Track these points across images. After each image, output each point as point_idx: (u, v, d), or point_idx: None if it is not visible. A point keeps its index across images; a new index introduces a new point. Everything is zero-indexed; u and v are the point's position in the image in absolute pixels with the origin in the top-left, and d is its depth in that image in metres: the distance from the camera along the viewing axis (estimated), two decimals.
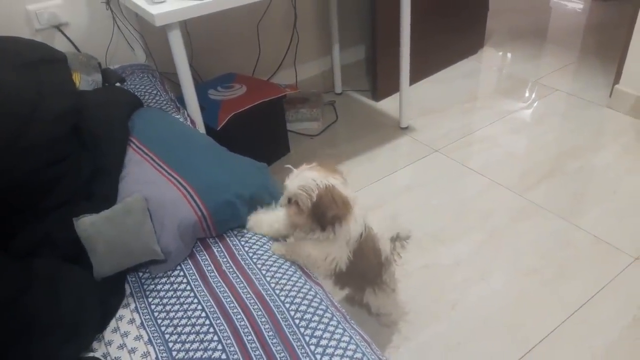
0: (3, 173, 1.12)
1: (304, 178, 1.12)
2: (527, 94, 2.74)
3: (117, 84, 1.83)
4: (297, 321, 1.00)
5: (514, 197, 2.03)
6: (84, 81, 1.75)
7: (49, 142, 1.23)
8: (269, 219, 1.25)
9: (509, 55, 3.19)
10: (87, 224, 1.11)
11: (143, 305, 1.09)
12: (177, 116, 1.68)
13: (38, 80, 1.33)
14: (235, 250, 1.18)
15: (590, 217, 1.90)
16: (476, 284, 1.68)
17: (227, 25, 2.44)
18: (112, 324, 1.06)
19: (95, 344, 1.02)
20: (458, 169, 2.22)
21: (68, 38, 2.00)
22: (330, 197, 1.10)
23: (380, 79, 2.65)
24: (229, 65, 2.46)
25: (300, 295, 1.06)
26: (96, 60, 1.89)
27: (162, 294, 1.10)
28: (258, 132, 2.21)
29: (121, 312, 1.08)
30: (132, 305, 1.09)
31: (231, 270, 1.13)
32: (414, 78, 2.56)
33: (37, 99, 1.26)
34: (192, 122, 1.75)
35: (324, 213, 1.11)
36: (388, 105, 2.69)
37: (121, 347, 1.01)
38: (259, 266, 1.14)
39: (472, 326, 1.54)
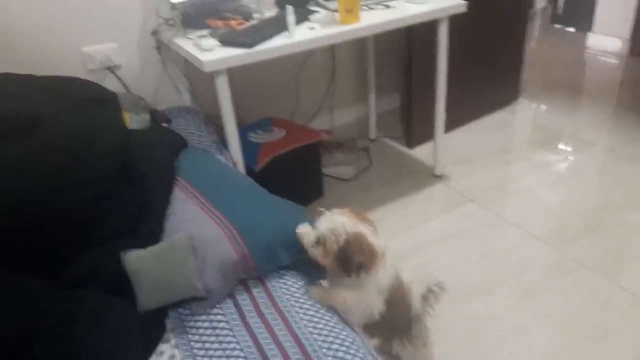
0: (56, 206, 1.18)
1: (334, 222, 1.15)
2: (563, 147, 2.73)
3: (164, 125, 1.91)
4: None
5: (550, 251, 2.00)
6: (133, 120, 1.84)
7: (100, 178, 1.29)
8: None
9: (543, 107, 3.20)
10: (134, 258, 1.15)
11: (183, 341, 1.10)
12: (220, 157, 1.74)
13: (91, 118, 1.41)
14: (274, 293, 1.20)
15: (629, 274, 1.85)
16: (511, 338, 1.64)
17: (268, 72, 2.54)
18: (153, 358, 1.07)
19: None
20: (492, 220, 2.20)
21: (119, 79, 2.12)
22: (357, 244, 1.12)
23: (414, 126, 2.69)
24: (268, 110, 2.54)
25: (338, 341, 1.06)
26: (145, 101, 1.99)
27: (201, 331, 1.12)
28: (294, 174, 2.25)
29: (162, 347, 1.10)
30: (173, 341, 1.11)
31: (270, 312, 1.14)
32: (449, 127, 2.59)
33: (91, 136, 1.33)
34: (234, 163, 1.80)
35: (350, 259, 1.13)
36: (422, 152, 2.72)
37: None
38: (297, 309, 1.15)
39: None
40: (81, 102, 1.45)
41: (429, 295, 1.31)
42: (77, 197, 1.22)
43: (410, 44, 2.51)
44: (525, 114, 3.12)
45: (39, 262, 1.13)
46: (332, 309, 1.18)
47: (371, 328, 1.30)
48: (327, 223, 1.15)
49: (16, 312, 0.96)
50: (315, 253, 1.18)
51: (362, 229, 1.14)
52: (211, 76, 1.67)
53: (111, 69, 2.09)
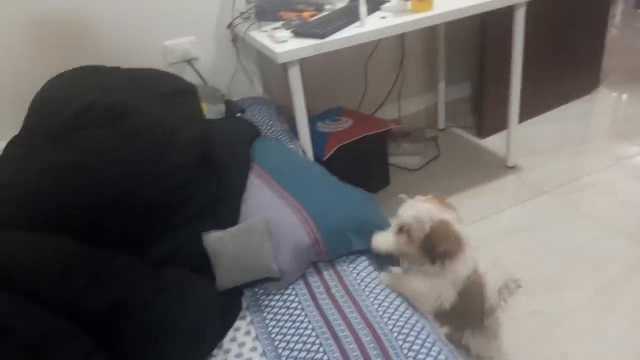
0: (144, 190, 1.27)
1: (418, 209, 1.14)
2: None
3: (238, 115, 1.99)
4: (405, 351, 1.01)
5: (632, 247, 1.89)
6: (210, 111, 1.94)
7: (183, 165, 1.37)
8: (388, 240, 1.26)
9: (625, 96, 3.01)
10: (214, 239, 1.22)
11: (258, 319, 1.16)
12: (291, 146, 1.79)
13: (174, 108, 1.50)
14: (344, 276, 1.23)
15: None
16: (588, 336, 1.58)
17: (337, 62, 2.57)
18: (231, 334, 1.14)
19: (215, 351, 1.11)
20: (568, 213, 2.11)
21: (197, 71, 2.23)
22: (443, 231, 1.12)
23: (486, 115, 2.62)
24: (336, 100, 2.57)
25: (408, 326, 1.08)
26: (220, 92, 2.08)
27: (275, 310, 1.17)
28: (361, 163, 2.27)
29: (238, 323, 1.17)
30: (248, 318, 1.17)
31: (341, 294, 1.18)
32: (522, 116, 2.50)
33: (175, 125, 1.42)
34: (303, 151, 1.85)
35: (436, 246, 1.12)
36: (493, 143, 2.64)
37: (238, 356, 1.08)
38: (367, 293, 1.17)
39: None
40: (164, 94, 1.54)
41: (504, 290, 1.29)
42: (163, 182, 1.31)
43: (484, 31, 2.44)
44: (605, 104, 2.94)
45: (127, 243, 1.23)
46: (401, 295, 1.20)
47: (442, 316, 1.30)
48: (411, 210, 1.15)
49: (106, 286, 1.05)
50: (399, 241, 1.17)
51: (447, 216, 1.14)
52: (283, 67, 1.72)
53: (189, 62, 2.20)
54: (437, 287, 1.20)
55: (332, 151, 2.12)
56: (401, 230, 1.17)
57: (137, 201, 1.23)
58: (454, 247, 1.13)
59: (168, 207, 1.31)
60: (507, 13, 2.06)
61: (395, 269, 1.32)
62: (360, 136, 2.20)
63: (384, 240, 1.27)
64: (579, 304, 1.69)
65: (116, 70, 1.68)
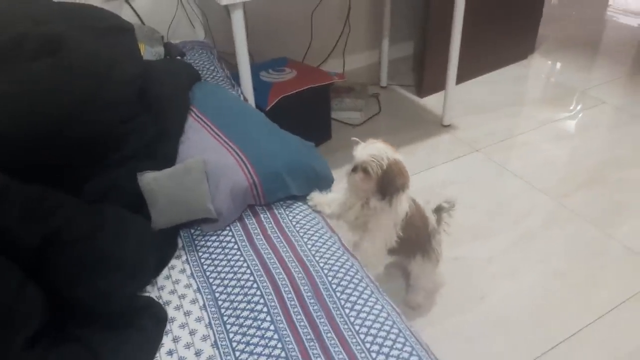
0: (78, 125, 1.22)
1: (375, 148, 1.23)
2: (573, 104, 2.73)
3: (178, 58, 1.93)
4: (334, 286, 1.07)
5: (550, 202, 2.05)
6: (148, 52, 1.86)
7: (120, 102, 1.32)
8: (327, 200, 1.36)
9: (558, 64, 3.17)
10: (150, 179, 1.21)
11: (194, 258, 1.18)
12: (232, 92, 1.77)
13: (112, 45, 1.44)
14: (280, 219, 1.26)
15: (625, 228, 1.91)
16: (505, 280, 1.72)
17: (283, 10, 2.52)
18: (165, 272, 1.16)
19: (149, 288, 1.12)
20: (497, 169, 2.24)
21: (135, 11, 2.12)
22: (398, 167, 1.22)
23: (426, 75, 2.69)
24: (281, 50, 2.54)
25: (338, 264, 1.13)
26: (159, 34, 2.00)
27: (211, 250, 1.19)
28: (303, 116, 2.28)
29: (173, 262, 1.18)
30: (184, 257, 1.19)
31: (276, 235, 1.21)
32: (461, 78, 2.59)
33: (112, 61, 1.36)
34: (245, 99, 1.84)
35: (392, 181, 1.22)
36: (432, 102, 2.73)
37: (172, 292, 1.10)
38: (302, 234, 1.21)
39: (496, 320, 1.58)
40: (100, 29, 1.47)
41: (441, 211, 1.45)
42: (99, 117, 1.25)
43: None
44: (538, 70, 3.09)
45: (62, 179, 1.19)
46: (335, 236, 1.25)
47: (395, 247, 1.40)
48: (368, 150, 1.23)
49: (41, 221, 1.02)
50: (355, 179, 1.25)
51: (398, 156, 1.24)
52: (226, 12, 1.68)
53: (127, 0, 2.09)
54: (384, 235, 1.31)
55: (275, 101, 2.11)
56: (357, 168, 1.24)
57: (71, 136, 1.18)
58: (407, 182, 1.25)
59: (102, 144, 1.27)
60: None
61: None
62: (304, 88, 2.20)
63: (322, 199, 1.35)
64: (498, 252, 1.83)
65: (48, 1, 1.58)
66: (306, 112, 2.29)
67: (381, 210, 1.28)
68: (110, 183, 1.21)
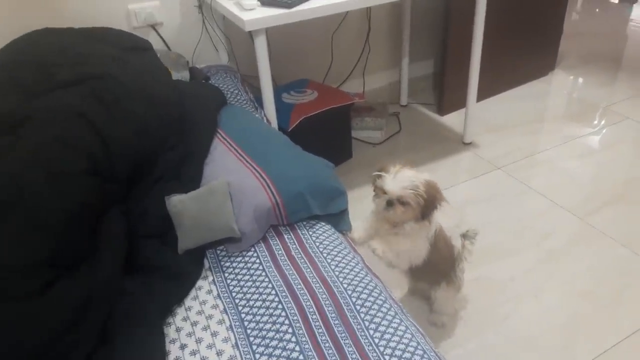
0: (136, 152, 1.29)
1: (405, 178, 1.23)
2: (596, 120, 2.71)
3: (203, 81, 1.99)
4: (358, 307, 1.08)
5: (575, 220, 2.03)
6: (174, 77, 1.92)
7: (164, 125, 1.38)
8: (363, 226, 1.39)
9: (580, 79, 3.15)
10: (177, 201, 1.25)
11: (220, 279, 1.21)
12: (256, 115, 1.81)
13: (141, 67, 1.49)
14: (304, 239, 1.29)
15: None
16: (529, 300, 1.70)
17: (304, 33, 2.58)
18: (192, 292, 1.18)
19: (176, 308, 1.15)
20: (519, 187, 2.23)
21: (161, 37, 2.20)
22: (434, 188, 1.24)
23: (446, 93, 2.71)
24: (302, 71, 2.59)
25: (362, 284, 1.14)
26: (185, 58, 2.07)
27: (236, 270, 1.22)
28: (324, 136, 2.31)
29: (200, 282, 1.21)
30: (210, 278, 1.22)
31: (299, 256, 1.23)
32: (481, 95, 2.60)
33: (149, 84, 1.42)
34: (268, 121, 1.88)
35: (434, 203, 1.23)
36: (452, 120, 2.74)
37: (199, 313, 1.13)
38: (325, 255, 1.23)
39: (520, 341, 1.57)
40: (126, 50, 1.52)
41: (464, 238, 1.45)
42: (147, 139, 1.32)
43: (447, 10, 2.50)
44: (560, 86, 3.08)
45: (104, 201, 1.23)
46: (357, 256, 1.26)
47: (418, 272, 1.42)
48: (399, 181, 1.22)
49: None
50: (396, 213, 1.25)
51: (425, 175, 1.25)
52: (248, 36, 1.73)
53: (154, 27, 2.17)
54: (415, 245, 1.32)
55: (297, 122, 2.16)
56: (391, 203, 1.24)
57: (125, 161, 1.24)
58: (444, 197, 1.26)
59: (143, 168, 1.32)
60: None
61: (351, 234, 1.40)
62: (325, 108, 2.24)
63: (361, 229, 1.38)
64: (522, 272, 1.81)
65: (69, 30, 1.64)
66: (327, 132, 2.32)
67: (415, 229, 1.30)
68: (141, 205, 1.25)
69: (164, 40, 2.20)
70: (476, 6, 2.15)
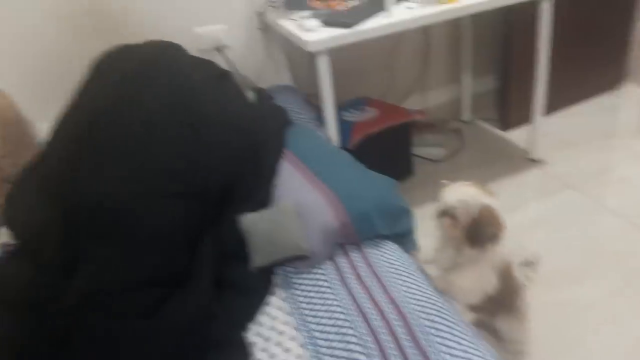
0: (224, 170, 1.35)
1: (464, 192, 1.18)
2: None
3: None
4: (430, 330, 1.05)
5: None
6: None
7: (248, 148, 1.44)
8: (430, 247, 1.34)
9: None
10: (249, 220, 1.28)
11: (290, 295, 1.21)
12: (320, 134, 1.83)
13: (230, 91, 1.55)
14: (371, 259, 1.27)
15: None
16: (607, 327, 1.60)
17: (362, 51, 2.59)
18: (263, 308, 1.19)
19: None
20: (592, 207, 2.12)
21: (227, 59, 2.27)
22: (490, 215, 1.15)
23: (510, 108, 2.63)
24: (361, 89, 2.60)
25: (434, 307, 1.12)
26: (249, 80, 2.12)
27: (305, 288, 1.22)
28: (385, 153, 2.30)
29: (271, 299, 1.22)
30: (280, 295, 1.23)
31: (368, 276, 1.22)
32: (548, 110, 2.50)
33: (239, 110, 1.48)
34: (329, 139, 1.89)
35: (483, 230, 1.15)
36: (517, 136, 2.65)
37: (271, 329, 1.14)
38: (394, 275, 1.21)
39: None
40: (218, 76, 1.59)
41: (526, 266, 1.35)
42: (234, 167, 1.38)
43: (509, 23, 2.44)
44: (631, 99, 2.92)
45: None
46: (428, 278, 1.24)
47: (476, 305, 1.34)
48: (456, 194, 1.18)
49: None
50: (441, 224, 1.21)
51: (492, 201, 1.17)
52: (309, 56, 1.75)
53: (219, 49, 2.25)
54: (480, 277, 1.24)
55: (358, 140, 2.16)
56: (445, 213, 1.20)
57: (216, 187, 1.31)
58: (500, 231, 1.17)
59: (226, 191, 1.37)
60: (533, 4, 2.06)
61: (419, 255, 1.37)
62: (386, 126, 2.23)
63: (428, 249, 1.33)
64: (600, 296, 1.71)
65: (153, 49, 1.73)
66: (388, 150, 2.31)
67: (476, 258, 1.23)
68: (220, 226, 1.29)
69: (229, 62, 2.27)
70: (540, 17, 2.09)
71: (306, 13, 1.92)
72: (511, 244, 1.40)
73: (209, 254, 1.20)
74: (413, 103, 2.84)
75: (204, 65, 1.57)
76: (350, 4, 1.94)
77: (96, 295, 1.03)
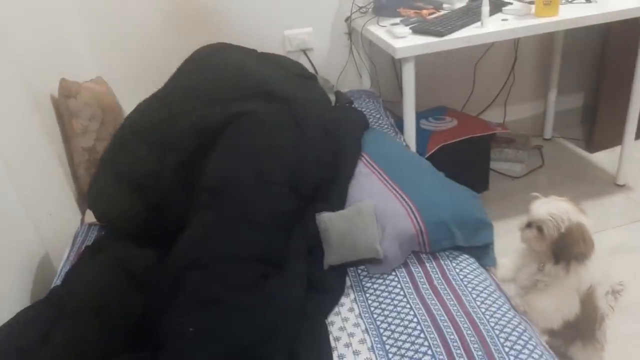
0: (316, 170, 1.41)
1: (555, 207, 1.15)
2: None
3: (347, 105, 2.06)
4: (506, 349, 1.03)
5: None
6: None
7: (331, 150, 1.49)
8: (509, 265, 1.32)
9: None
10: (326, 218, 1.30)
11: (361, 298, 1.23)
12: (398, 140, 1.83)
13: (318, 94, 1.61)
14: (447, 270, 1.26)
15: None
16: None
17: (446, 61, 2.56)
18: (335, 308, 1.22)
19: None
20: None
21: (310, 61, 2.32)
22: (579, 233, 1.11)
23: (598, 128, 2.50)
24: (441, 98, 2.56)
25: (510, 325, 1.09)
26: (331, 83, 2.16)
27: (377, 292, 1.23)
28: (461, 165, 2.25)
29: (342, 299, 1.24)
30: (352, 296, 1.24)
31: (442, 287, 1.21)
32: (637, 134, 2.36)
33: (326, 113, 1.54)
34: (407, 146, 1.89)
35: (569, 247, 1.12)
36: (603, 158, 2.51)
37: (341, 329, 1.15)
38: (470, 289, 1.19)
39: None
40: (298, 76, 1.65)
41: (610, 295, 1.28)
42: (323, 167, 1.45)
43: (606, 41, 2.32)
44: None
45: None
46: (503, 295, 1.21)
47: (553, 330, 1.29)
48: (547, 207, 1.15)
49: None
50: (527, 236, 1.19)
51: (583, 219, 1.13)
52: (391, 62, 1.76)
53: (305, 52, 2.30)
54: (562, 301, 1.19)
55: (434, 149, 2.14)
56: (532, 225, 1.17)
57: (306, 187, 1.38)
58: (589, 251, 1.13)
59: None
60: (633, 23, 1.95)
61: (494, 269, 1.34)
62: (465, 137, 2.19)
63: (506, 267, 1.31)
64: None
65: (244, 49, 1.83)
66: (464, 161, 2.26)
67: (558, 277, 1.18)
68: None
69: (312, 65, 2.32)
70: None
71: (396, 20, 1.93)
72: (596, 270, 1.34)
73: (300, 242, 1.26)
74: (493, 116, 2.76)
75: (297, 67, 1.63)
76: (442, 13, 1.93)
77: (199, 265, 1.12)
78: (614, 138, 2.33)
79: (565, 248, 1.12)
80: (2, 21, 1.57)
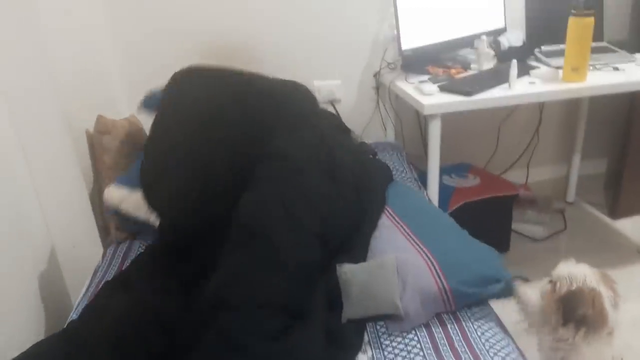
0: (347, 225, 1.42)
1: (578, 268, 1.16)
2: None
3: (370, 157, 2.08)
4: None
5: None
6: None
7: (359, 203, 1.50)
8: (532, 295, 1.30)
9: None
10: (347, 270, 1.29)
11: (379, 356, 1.19)
12: (421, 194, 1.84)
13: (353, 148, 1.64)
14: (468, 332, 1.23)
15: None
16: None
17: (471, 119, 2.59)
18: None
19: None
20: None
21: (337, 112, 2.37)
22: (589, 297, 1.10)
23: (623, 195, 2.47)
24: (463, 155, 2.58)
25: None
26: (355, 134, 2.20)
27: (396, 351, 1.20)
28: (483, 223, 2.20)
29: (360, 356, 1.20)
30: (369, 353, 1.21)
31: (463, 350, 1.18)
32: None
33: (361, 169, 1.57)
34: (430, 201, 1.89)
35: (574, 307, 1.10)
36: (627, 226, 2.47)
37: None
38: (491, 355, 1.16)
39: None
40: (337, 127, 1.68)
41: None
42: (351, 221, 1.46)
43: (632, 108, 2.34)
44: None
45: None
46: (522, 357, 1.17)
47: None
48: (569, 268, 1.17)
49: None
50: (543, 291, 1.19)
51: (603, 290, 1.12)
52: (417, 118, 1.79)
53: (332, 102, 2.35)
54: None
55: (457, 206, 2.13)
56: (549, 282, 1.18)
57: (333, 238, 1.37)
58: (596, 317, 1.10)
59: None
60: None
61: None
62: (488, 196, 2.19)
63: (528, 295, 1.29)
64: None
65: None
66: (486, 220, 2.24)
67: (575, 348, 1.15)
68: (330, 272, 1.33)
69: (339, 115, 2.37)
70: None
71: (424, 78, 1.98)
72: (617, 343, 1.29)
73: (322, 295, 1.24)
74: (515, 176, 2.76)
75: (335, 119, 1.67)
76: (469, 73, 1.97)
77: (230, 306, 1.11)
78: (637, 206, 2.31)
79: (570, 306, 1.11)
80: (49, 54, 1.63)
